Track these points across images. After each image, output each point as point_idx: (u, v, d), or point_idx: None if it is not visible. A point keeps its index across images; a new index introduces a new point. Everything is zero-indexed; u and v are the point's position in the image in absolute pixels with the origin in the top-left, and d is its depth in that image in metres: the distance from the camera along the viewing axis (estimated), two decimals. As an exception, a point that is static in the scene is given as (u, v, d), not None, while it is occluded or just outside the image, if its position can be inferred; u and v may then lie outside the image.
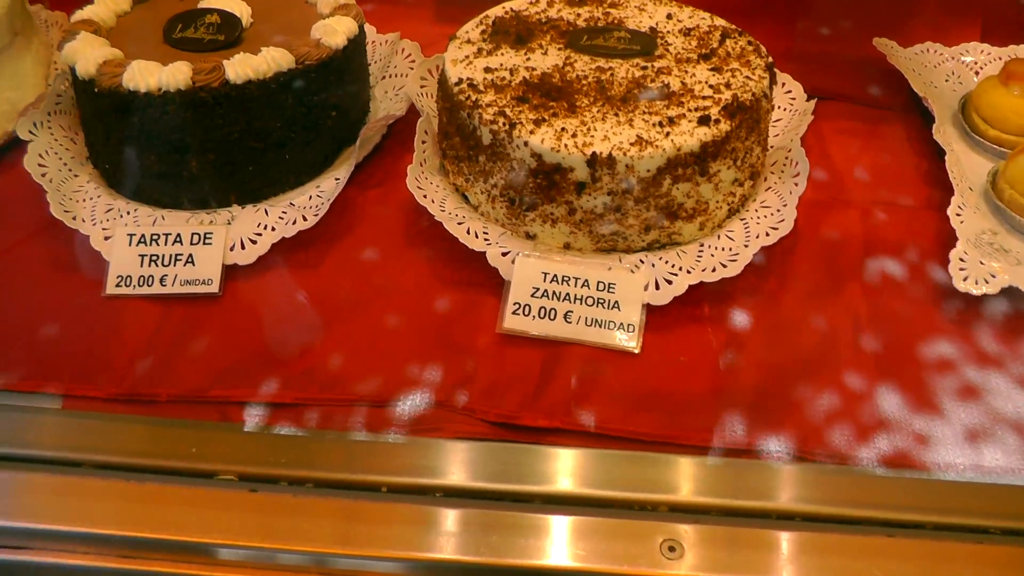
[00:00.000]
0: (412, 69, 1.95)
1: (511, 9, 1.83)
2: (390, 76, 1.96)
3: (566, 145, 1.49)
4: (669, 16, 1.83)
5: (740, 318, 1.58)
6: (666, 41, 1.75)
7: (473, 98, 1.58)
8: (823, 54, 2.13)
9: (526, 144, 1.51)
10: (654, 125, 1.52)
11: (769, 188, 1.70)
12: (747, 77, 1.66)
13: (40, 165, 1.71)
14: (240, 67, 1.59)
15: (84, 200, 1.71)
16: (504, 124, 1.53)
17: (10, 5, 1.84)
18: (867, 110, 2.06)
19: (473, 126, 1.57)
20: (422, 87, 1.82)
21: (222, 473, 1.41)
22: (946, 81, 2.04)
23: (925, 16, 2.19)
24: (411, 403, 1.47)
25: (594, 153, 1.48)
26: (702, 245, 1.61)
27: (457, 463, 1.40)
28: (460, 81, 1.62)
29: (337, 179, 1.71)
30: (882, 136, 1.99)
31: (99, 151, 1.72)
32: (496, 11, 1.84)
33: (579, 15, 1.82)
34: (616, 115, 1.55)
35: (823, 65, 2.10)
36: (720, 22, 1.82)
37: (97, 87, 1.60)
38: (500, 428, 1.42)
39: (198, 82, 1.58)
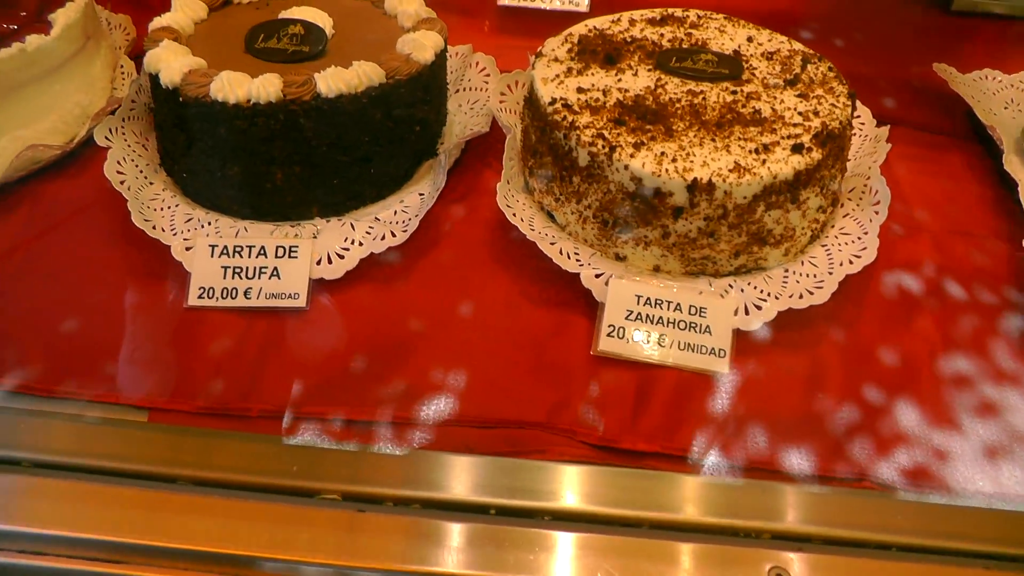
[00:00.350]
0: (487, 83, 1.96)
1: (594, 27, 1.84)
2: (464, 89, 1.95)
3: (667, 170, 1.50)
4: (749, 39, 1.84)
5: (825, 344, 1.59)
6: (751, 65, 1.77)
7: (569, 119, 1.58)
8: (881, 78, 2.14)
9: (626, 167, 1.51)
10: (750, 152, 1.54)
11: (847, 215, 1.72)
12: (832, 104, 1.67)
13: (118, 172, 1.68)
14: (332, 81, 1.57)
15: (162, 209, 1.70)
16: (603, 147, 1.53)
17: (85, 8, 1.82)
18: (928, 136, 2.08)
19: (569, 147, 1.57)
20: (501, 102, 1.84)
21: (325, 492, 1.40)
22: (1005, 109, 2.06)
23: (980, 42, 2.21)
24: (510, 423, 1.47)
25: (695, 179, 1.49)
26: (787, 271, 1.62)
27: (563, 485, 1.39)
28: (554, 101, 1.62)
29: (422, 194, 1.72)
30: (945, 163, 2.01)
31: (177, 160, 1.70)
32: (578, 29, 1.83)
33: (662, 35, 1.83)
34: (713, 140, 1.55)
35: (883, 90, 2.11)
36: (798, 46, 1.85)
37: (182, 96, 1.57)
38: (600, 451, 1.43)
39: (289, 95, 1.56)
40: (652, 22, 1.88)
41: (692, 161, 1.52)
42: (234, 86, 1.55)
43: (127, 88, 1.88)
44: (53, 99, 1.78)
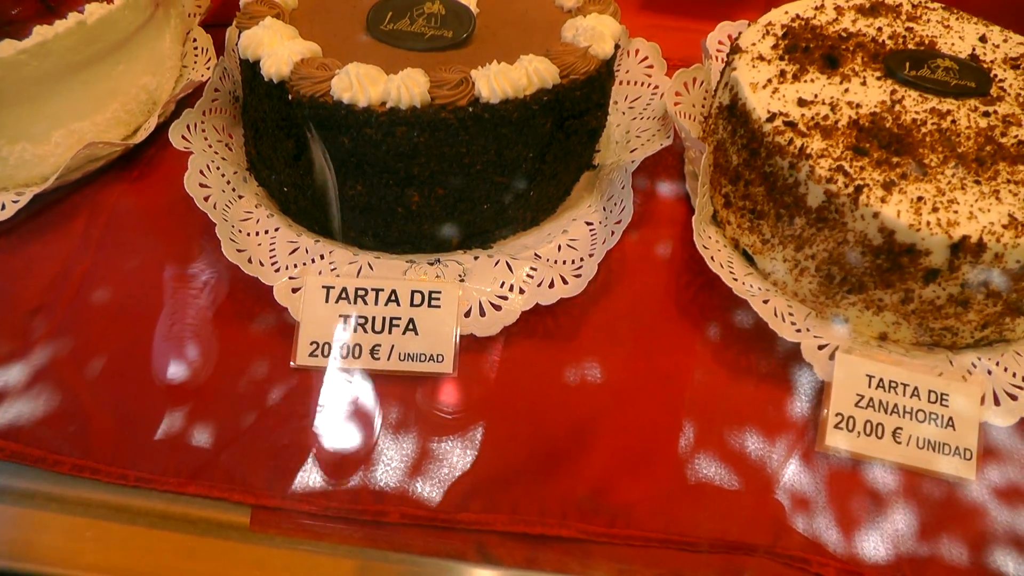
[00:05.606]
0: (649, 76, 1.70)
1: (798, 16, 1.59)
2: (621, 83, 1.72)
3: (928, 223, 1.27)
4: (983, 39, 1.61)
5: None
6: (996, 76, 1.54)
7: (798, 144, 1.36)
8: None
9: (875, 215, 1.29)
10: (1024, 200, 1.31)
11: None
12: (1105, 133, 1.42)
13: (201, 185, 1.44)
14: (497, 81, 1.32)
15: (258, 234, 1.47)
16: (845, 185, 1.31)
17: (152, -33, 1.54)
18: None
19: (795, 180, 1.36)
20: (676, 105, 1.60)
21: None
22: None
23: None
24: (729, 546, 1.27)
25: (963, 237, 1.27)
26: (1040, 346, 1.41)
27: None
28: (773, 117, 1.41)
29: (590, 224, 1.50)
30: None
31: (277, 170, 1.48)
32: (777, 17, 1.59)
33: (879, 29, 1.59)
34: (977, 183, 1.34)
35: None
36: (1044, 48, 1.57)
37: (292, 94, 1.33)
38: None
39: (439, 99, 1.31)
40: (862, 11, 1.63)
41: (956, 212, 1.30)
42: (365, 85, 1.30)
43: (200, 67, 1.64)
44: (116, 82, 1.53)
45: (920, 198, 1.31)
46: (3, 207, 1.46)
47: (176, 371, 1.38)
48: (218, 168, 1.50)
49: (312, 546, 1.27)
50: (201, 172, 1.46)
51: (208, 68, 1.68)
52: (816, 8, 1.63)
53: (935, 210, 1.29)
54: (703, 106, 1.71)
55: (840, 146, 1.37)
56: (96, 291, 1.45)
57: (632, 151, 1.60)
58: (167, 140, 1.50)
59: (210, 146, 1.53)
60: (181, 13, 1.73)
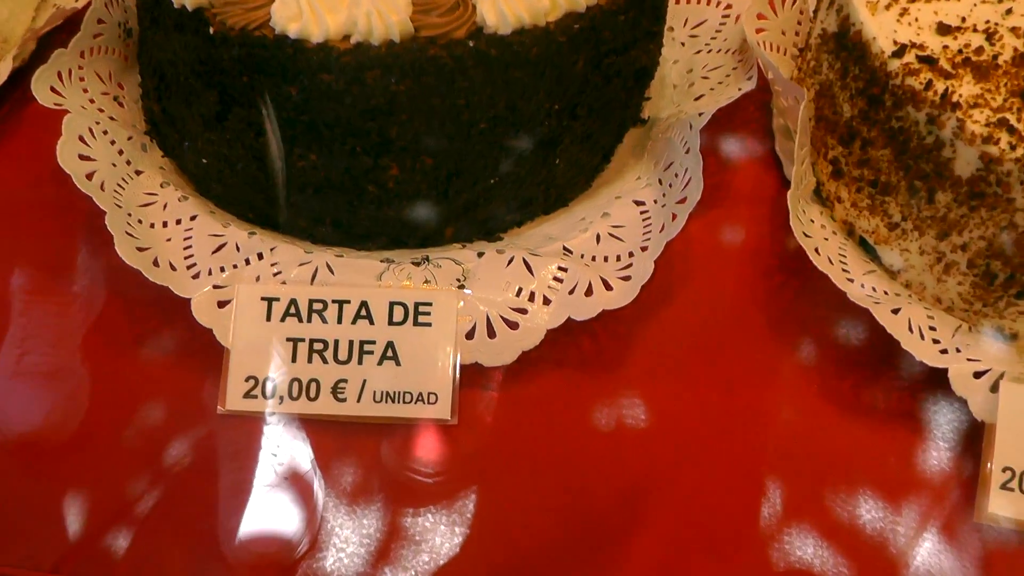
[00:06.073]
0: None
1: None
2: (678, 1, 1.66)
3: None
4: None
5: None
6: None
7: (940, 88, 1.27)
8: None
9: None
10: None
11: None
12: None
13: (82, 157, 1.35)
14: (507, 4, 1.24)
15: (166, 225, 1.37)
16: (1011, 146, 1.22)
17: None
18: None
19: (937, 140, 1.28)
20: (759, 35, 1.53)
21: None
22: None
23: None
24: None
25: None
26: None
27: None
28: (903, 50, 1.31)
29: (641, 204, 1.40)
30: None
31: (193, 136, 1.41)
32: None
33: None
34: None
35: None
36: None
37: (214, 26, 1.26)
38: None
39: (426, 29, 1.23)
40: None
41: None
42: (320, 12, 1.23)
43: None
44: None
45: (1115, 166, 1.25)
46: None
47: (42, 424, 1.30)
48: (106, 132, 1.43)
49: None
50: (82, 139, 1.39)
51: (83, -10, 1.67)
52: None
53: None
54: (797, 34, 1.67)
55: (1002, 91, 1.29)
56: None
57: (697, 99, 1.56)
58: (28, 94, 1.43)
59: (92, 101, 1.47)
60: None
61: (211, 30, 1.27)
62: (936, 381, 1.30)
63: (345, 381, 1.27)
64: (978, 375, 1.27)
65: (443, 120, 1.29)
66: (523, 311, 1.31)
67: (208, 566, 1.23)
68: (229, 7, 1.26)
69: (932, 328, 1.32)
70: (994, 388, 1.26)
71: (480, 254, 1.39)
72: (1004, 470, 1.23)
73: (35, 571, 1.20)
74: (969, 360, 1.28)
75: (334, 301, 1.30)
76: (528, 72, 1.29)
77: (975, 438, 1.29)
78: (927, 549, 1.25)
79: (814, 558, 1.24)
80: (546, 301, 1.32)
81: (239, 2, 1.26)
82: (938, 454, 1.31)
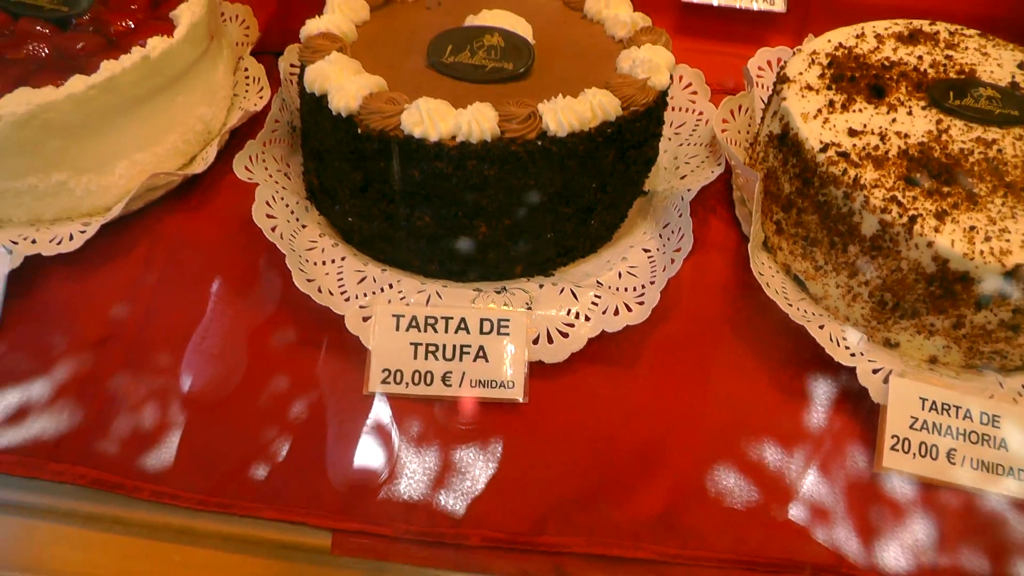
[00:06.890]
0: (694, 103, 1.91)
1: (840, 45, 1.81)
2: (668, 110, 1.79)
3: (981, 252, 1.45)
4: (1021, 66, 1.82)
5: None
6: None
7: (851, 174, 1.53)
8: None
9: (929, 245, 1.46)
10: (1074, 229, 1.46)
11: None
12: None
13: (268, 216, 1.60)
14: (564, 115, 1.48)
15: (325, 263, 1.61)
16: (899, 215, 1.48)
17: (209, 2, 1.71)
18: None
19: (850, 209, 1.53)
20: (723, 132, 1.81)
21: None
22: None
23: None
24: (793, 566, 1.43)
25: (1017, 265, 1.44)
26: (1089, 366, 1.57)
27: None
28: (826, 147, 1.58)
29: (648, 252, 1.67)
30: None
31: (342, 200, 1.62)
32: (821, 46, 1.80)
33: (920, 58, 1.82)
34: None
35: None
36: (1085, 76, 1.82)
37: (361, 128, 1.47)
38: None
39: (509, 132, 1.46)
40: (901, 39, 1.86)
41: (1008, 240, 1.47)
42: (435, 119, 1.44)
43: (252, 96, 1.82)
44: (175, 114, 1.70)
45: (972, 227, 1.47)
46: (71, 237, 1.59)
47: (243, 397, 1.52)
48: (282, 199, 1.65)
49: (395, 569, 1.41)
50: (267, 203, 1.61)
51: (260, 97, 1.84)
52: (857, 36, 1.84)
53: (988, 239, 1.46)
54: (749, 133, 1.85)
55: (892, 176, 1.53)
56: (162, 320, 1.59)
57: (682, 177, 1.76)
58: (223, 169, 1.68)
59: (271, 176, 1.68)
60: (231, 43, 1.90)
61: (359, 130, 1.46)
62: (848, 376, 1.53)
63: (451, 373, 1.48)
64: (875, 371, 1.51)
65: (518, 194, 1.50)
66: (571, 325, 1.53)
67: (330, 486, 1.42)
68: (372, 115, 1.45)
69: (844, 339, 1.55)
70: (885, 380, 1.50)
71: (541, 285, 1.60)
72: (892, 436, 1.47)
73: (251, 502, 1.41)
74: (869, 361, 1.52)
75: (442, 317, 1.51)
76: (576, 162, 1.50)
77: (874, 414, 1.50)
78: (839, 488, 1.47)
79: (774, 497, 1.46)
80: (587, 318, 1.53)
81: (379, 111, 1.45)
82: (849, 425, 1.53)
